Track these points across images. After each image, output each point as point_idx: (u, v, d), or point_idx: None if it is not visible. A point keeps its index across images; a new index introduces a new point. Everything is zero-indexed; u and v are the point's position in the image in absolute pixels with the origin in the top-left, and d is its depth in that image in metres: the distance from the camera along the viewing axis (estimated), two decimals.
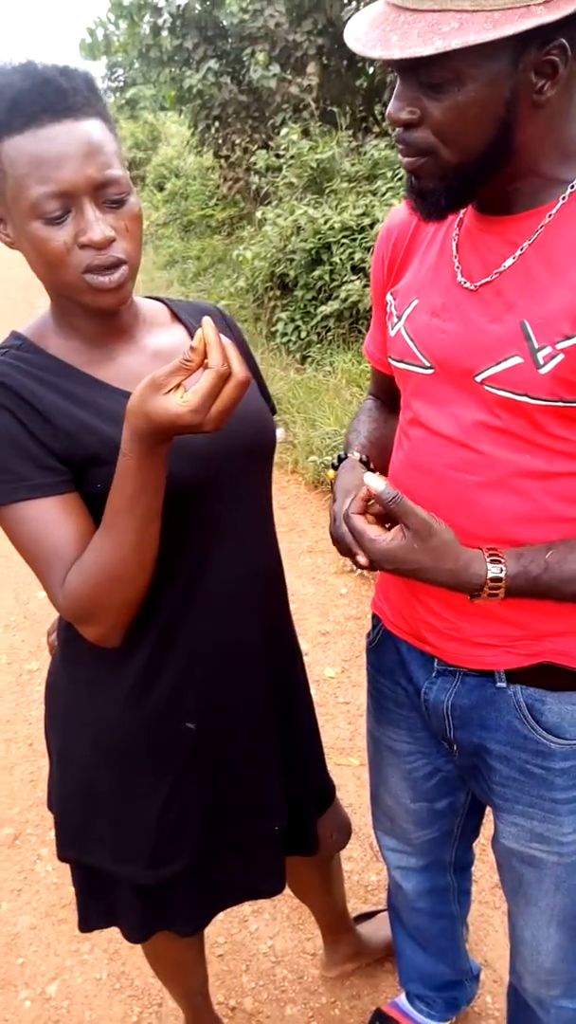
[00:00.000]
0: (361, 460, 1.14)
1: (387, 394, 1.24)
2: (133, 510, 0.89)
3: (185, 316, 1.13)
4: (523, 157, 0.87)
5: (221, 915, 1.88)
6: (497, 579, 0.91)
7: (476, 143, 0.84)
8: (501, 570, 0.91)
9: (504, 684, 1.04)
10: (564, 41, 0.78)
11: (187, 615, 1.06)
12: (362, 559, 0.94)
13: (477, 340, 0.93)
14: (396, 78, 0.85)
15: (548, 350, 0.87)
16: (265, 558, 1.17)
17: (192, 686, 1.09)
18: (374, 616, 1.26)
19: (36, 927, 1.96)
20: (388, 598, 1.19)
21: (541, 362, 0.87)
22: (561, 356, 0.86)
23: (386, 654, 1.22)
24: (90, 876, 1.22)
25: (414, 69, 0.81)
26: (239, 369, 0.81)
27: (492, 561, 0.91)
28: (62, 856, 1.23)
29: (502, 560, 0.91)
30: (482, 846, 1.95)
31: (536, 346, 0.88)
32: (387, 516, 0.94)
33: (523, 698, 1.04)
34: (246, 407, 1.08)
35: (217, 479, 1.03)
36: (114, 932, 1.89)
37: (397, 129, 0.87)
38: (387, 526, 0.95)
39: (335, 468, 1.11)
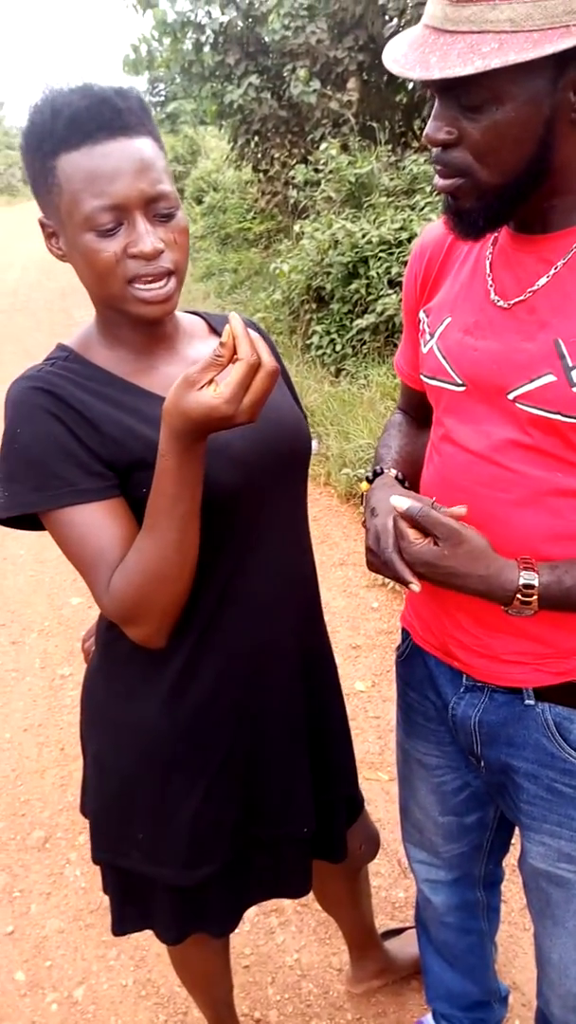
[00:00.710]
0: (396, 477, 1.14)
1: (416, 409, 1.25)
2: (173, 510, 0.91)
3: (221, 328, 1.15)
4: (561, 176, 0.87)
5: (248, 925, 1.89)
6: (530, 586, 0.90)
7: (514, 163, 0.84)
8: (534, 577, 0.91)
9: (532, 702, 1.04)
10: None
11: (224, 618, 1.08)
12: (415, 586, 0.94)
13: (510, 358, 0.93)
14: (435, 98, 0.86)
15: None
16: (300, 564, 1.19)
17: (228, 687, 1.10)
18: (404, 630, 1.26)
19: (64, 931, 1.98)
20: (418, 613, 1.19)
21: (575, 380, 0.87)
22: None
23: (415, 667, 1.22)
24: (124, 879, 1.24)
25: (453, 89, 0.82)
26: (268, 359, 0.84)
27: (525, 569, 0.91)
28: (96, 859, 1.25)
29: (535, 568, 0.91)
30: (512, 866, 1.93)
31: (570, 364, 0.88)
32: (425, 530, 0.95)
33: (551, 716, 1.03)
34: (282, 414, 1.11)
35: (256, 484, 1.05)
36: (141, 939, 1.92)
37: (435, 149, 0.88)
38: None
39: (369, 481, 1.12)
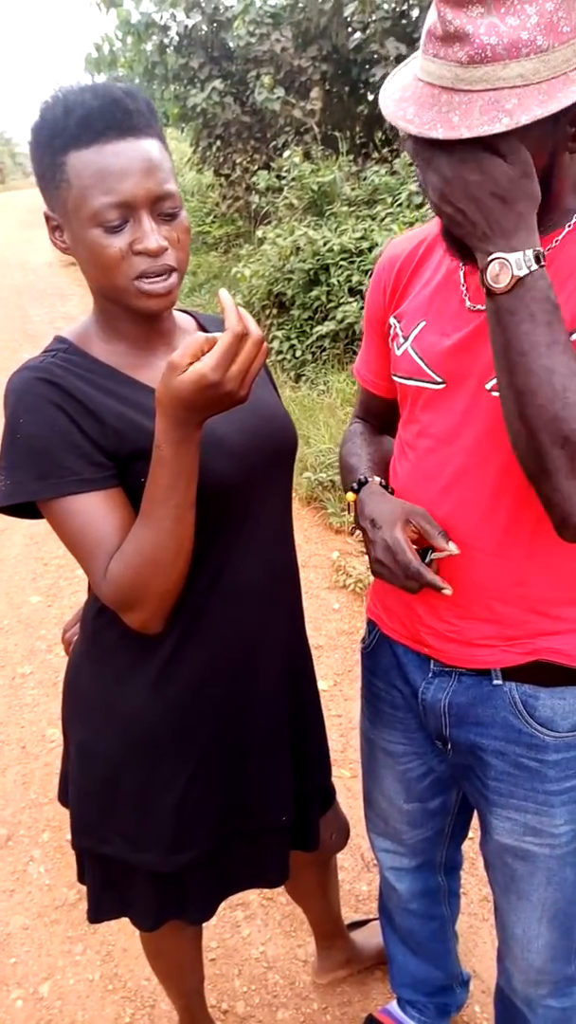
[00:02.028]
0: (381, 484, 1.19)
1: (375, 416, 1.30)
2: (168, 499, 0.94)
3: (209, 326, 1.19)
4: (554, 197, 0.93)
5: (214, 919, 1.92)
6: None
7: None
8: None
9: (500, 681, 1.09)
10: None
11: (213, 607, 1.11)
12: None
13: (488, 353, 0.97)
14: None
15: None
16: (286, 554, 1.23)
17: (216, 675, 1.13)
18: (370, 621, 1.31)
19: (28, 927, 1.98)
20: (385, 604, 1.24)
21: None
22: None
23: (382, 657, 1.27)
24: (104, 866, 1.25)
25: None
26: (255, 330, 0.87)
27: None
28: (77, 845, 1.26)
29: None
30: (471, 859, 2.00)
31: None
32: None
33: (518, 694, 1.09)
34: (272, 410, 1.16)
35: (250, 476, 1.08)
36: (107, 934, 1.93)
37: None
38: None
39: (355, 491, 1.16)
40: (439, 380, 1.06)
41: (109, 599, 1.01)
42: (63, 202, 0.99)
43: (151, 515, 0.96)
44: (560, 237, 0.96)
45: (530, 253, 0.85)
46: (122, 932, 1.93)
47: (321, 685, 2.89)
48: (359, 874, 2.09)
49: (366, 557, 3.49)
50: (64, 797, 1.32)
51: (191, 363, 0.86)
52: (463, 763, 1.20)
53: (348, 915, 1.93)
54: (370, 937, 1.82)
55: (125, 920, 1.91)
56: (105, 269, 0.99)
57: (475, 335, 1.01)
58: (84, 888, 2.01)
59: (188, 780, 1.16)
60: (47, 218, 1.04)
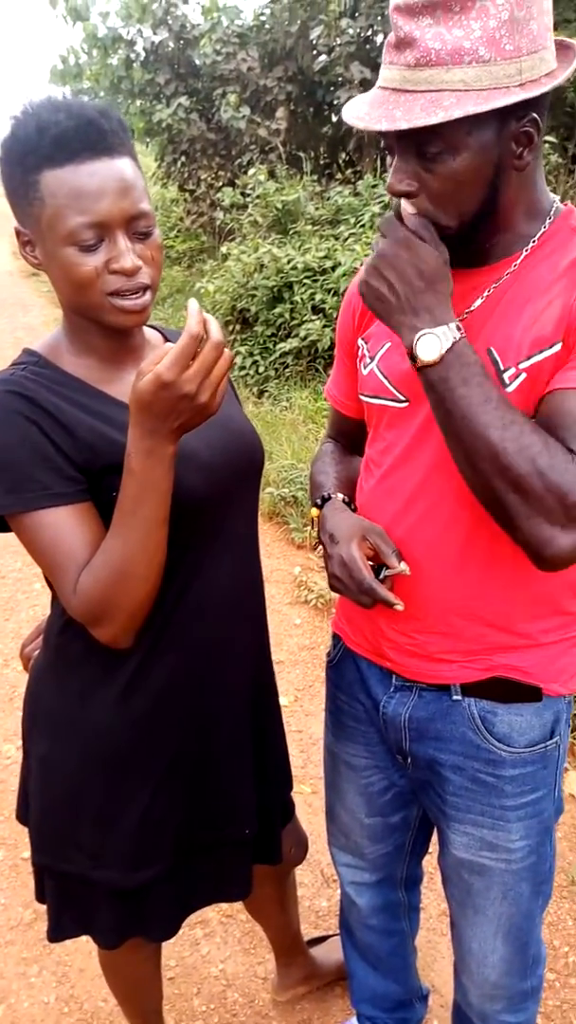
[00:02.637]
0: (344, 501, 1.21)
1: (346, 436, 1.33)
2: (137, 512, 0.95)
3: (175, 339, 1.20)
4: (502, 216, 0.98)
5: (172, 938, 1.90)
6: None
7: (469, 207, 0.95)
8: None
9: (459, 697, 1.11)
10: (536, 115, 0.91)
11: (180, 619, 1.11)
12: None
13: None
14: (393, 154, 0.94)
15: (512, 371, 0.97)
16: (253, 568, 1.24)
17: (181, 688, 1.14)
18: (335, 635, 1.33)
19: None
20: (350, 618, 1.26)
21: (507, 382, 0.97)
22: (524, 375, 0.96)
23: (346, 671, 1.29)
24: (64, 883, 1.24)
25: (414, 143, 0.91)
26: (217, 334, 0.88)
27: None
28: (37, 862, 1.25)
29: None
30: (429, 874, 2.01)
31: (502, 368, 0.97)
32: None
33: (476, 710, 1.11)
34: (240, 425, 1.18)
35: (220, 490, 1.10)
36: (63, 955, 1.90)
37: (395, 200, 0.97)
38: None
39: (319, 507, 1.18)
40: (402, 398, 1.09)
41: (79, 613, 1.01)
42: (36, 219, 0.99)
43: (121, 527, 0.96)
44: (518, 261, 1.00)
45: (453, 325, 0.93)
46: (79, 952, 1.90)
47: (282, 701, 2.89)
48: (319, 890, 2.09)
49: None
50: (22, 814, 1.30)
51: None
52: (422, 778, 1.21)
53: (308, 931, 1.93)
54: (330, 953, 1.82)
55: (82, 940, 1.90)
56: (79, 287, 0.99)
57: None
58: (40, 907, 2.01)
59: (151, 795, 1.16)
60: (18, 233, 1.04)
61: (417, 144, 0.91)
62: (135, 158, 1.03)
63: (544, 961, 1.30)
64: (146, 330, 1.18)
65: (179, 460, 0.96)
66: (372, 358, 1.13)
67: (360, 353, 1.17)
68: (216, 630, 1.16)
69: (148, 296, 1.02)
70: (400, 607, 1.03)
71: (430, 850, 1.50)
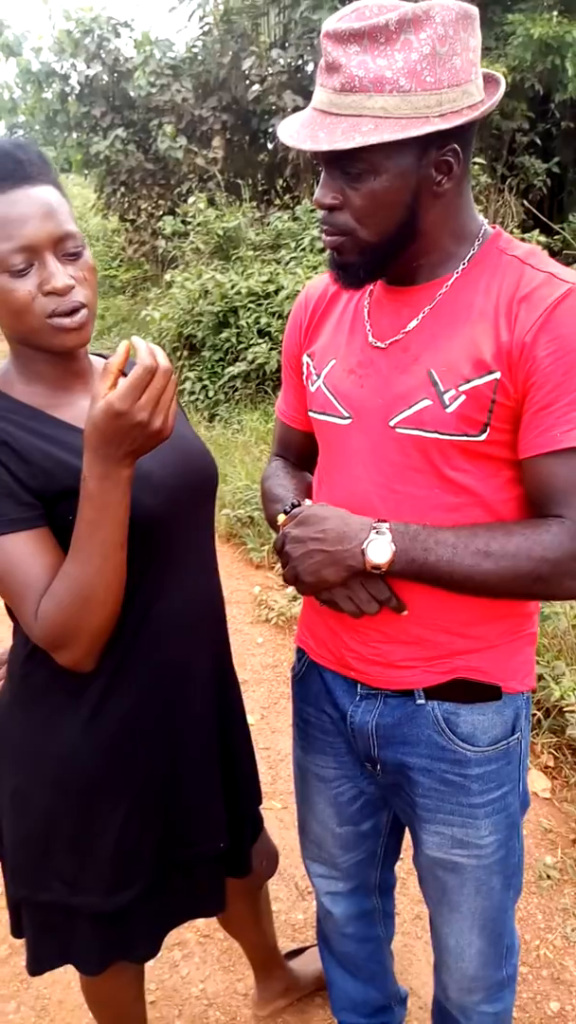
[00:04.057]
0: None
1: (294, 452, 1.38)
2: (95, 534, 0.97)
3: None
4: (426, 238, 1.04)
5: (151, 961, 1.90)
6: (381, 521, 1.06)
7: (388, 224, 1.01)
8: (383, 525, 1.05)
9: (423, 701, 1.16)
10: (457, 146, 0.98)
11: (142, 640, 1.13)
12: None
13: (390, 390, 1.08)
14: (322, 170, 1.02)
15: (452, 392, 1.03)
16: (211, 588, 1.27)
17: (148, 707, 1.16)
18: (299, 650, 1.36)
19: None
20: (313, 632, 1.29)
21: (447, 403, 1.03)
22: (464, 397, 1.02)
23: (312, 684, 1.32)
24: (42, 914, 1.24)
25: (339, 161, 0.97)
26: (163, 362, 0.92)
27: (378, 521, 1.06)
28: (13, 895, 1.25)
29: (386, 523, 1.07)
30: (402, 880, 2.05)
31: (442, 389, 1.03)
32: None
33: (440, 712, 1.15)
34: (192, 446, 1.21)
35: (175, 509, 1.13)
36: (41, 988, 1.89)
37: (321, 212, 1.03)
38: None
39: (287, 513, 1.23)
40: (346, 415, 1.14)
41: (41, 639, 1.03)
42: None
43: (80, 551, 0.99)
44: (450, 282, 1.06)
45: (372, 532, 1.04)
46: (56, 984, 1.89)
47: (248, 719, 2.92)
48: (294, 903, 2.11)
49: (287, 588, 3.57)
50: None
51: (109, 392, 0.91)
52: (392, 782, 1.25)
53: (285, 944, 1.95)
54: (308, 964, 1.84)
55: (59, 972, 1.88)
56: (16, 313, 1.02)
57: (377, 371, 1.10)
58: (12, 943, 1.99)
59: (125, 817, 1.17)
60: None
61: (342, 163, 0.97)
62: (58, 186, 1.06)
63: (517, 950, 1.35)
64: (93, 358, 1.22)
65: (134, 481, 0.99)
66: (319, 375, 1.18)
67: (307, 370, 1.22)
68: (178, 648, 1.18)
69: (85, 313, 1.05)
70: (406, 611, 1.10)
71: (401, 856, 1.54)
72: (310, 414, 1.22)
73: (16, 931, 1.31)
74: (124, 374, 1.21)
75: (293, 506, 1.15)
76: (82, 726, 1.13)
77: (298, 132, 0.98)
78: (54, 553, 1.03)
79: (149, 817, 1.20)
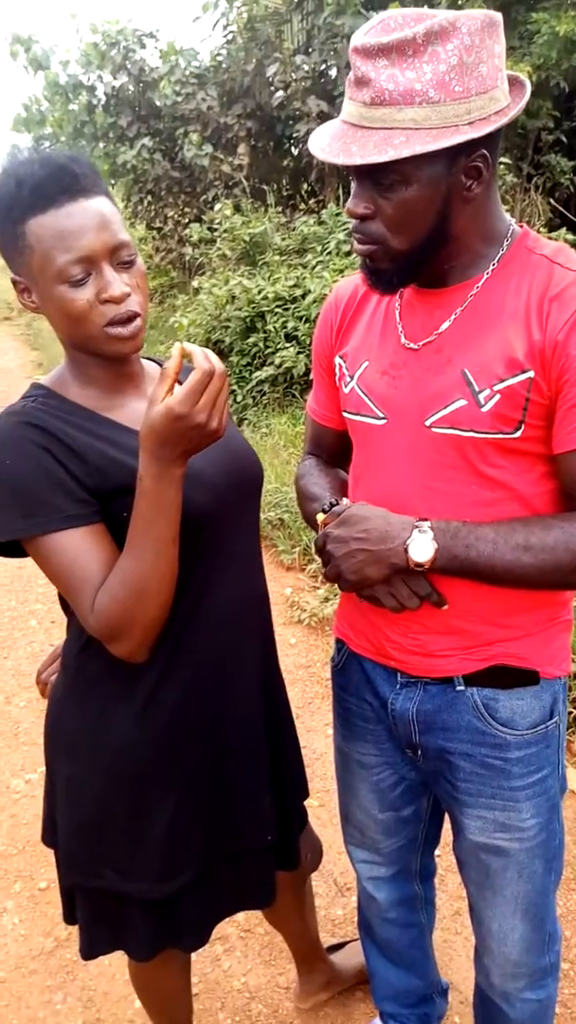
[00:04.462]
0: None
1: (327, 451, 1.40)
2: (149, 531, 1.01)
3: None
4: (457, 241, 1.06)
5: (194, 955, 1.93)
6: (423, 519, 1.08)
7: (420, 232, 1.03)
8: (425, 523, 1.07)
9: (463, 687, 1.18)
10: (485, 151, 1.00)
11: (193, 632, 1.16)
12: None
13: (425, 390, 1.10)
14: (353, 180, 1.04)
15: (487, 392, 1.05)
16: (258, 580, 1.30)
17: (198, 699, 1.19)
18: (338, 641, 1.39)
19: (6, 981, 1.95)
20: (352, 623, 1.32)
21: (482, 402, 1.05)
22: (498, 396, 1.04)
23: (352, 674, 1.35)
24: (95, 900, 1.27)
25: (370, 173, 1.00)
26: (219, 365, 0.96)
27: (420, 520, 1.08)
28: (68, 882, 1.28)
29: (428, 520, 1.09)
30: (441, 876, 2.06)
31: (477, 389, 1.05)
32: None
33: (479, 698, 1.17)
34: (241, 445, 1.25)
35: (225, 507, 1.16)
36: (87, 979, 1.93)
37: (354, 221, 1.06)
38: None
39: (325, 512, 1.25)
40: (381, 415, 1.16)
41: (97, 631, 1.06)
42: (28, 266, 1.07)
43: (135, 547, 1.02)
44: (480, 283, 1.08)
45: (414, 531, 1.06)
46: (102, 976, 1.92)
47: None
48: (334, 899, 2.13)
49: (319, 590, 3.59)
50: (49, 837, 1.34)
51: (166, 394, 0.95)
52: (433, 768, 1.27)
53: (326, 939, 1.96)
54: (349, 957, 1.86)
55: (106, 964, 1.93)
56: (75, 321, 1.07)
57: (411, 372, 1.13)
58: (60, 935, 2.03)
59: (176, 806, 1.20)
60: (15, 282, 1.11)
61: (373, 174, 1.00)
62: (110, 196, 1.11)
63: (560, 938, 1.36)
64: (144, 361, 1.26)
65: (186, 480, 1.03)
66: (352, 376, 1.21)
67: (339, 372, 1.25)
68: (226, 640, 1.21)
69: (139, 322, 1.09)
70: (447, 606, 1.12)
71: (437, 852, 1.56)
72: (344, 415, 1.25)
73: (69, 917, 1.35)
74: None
75: (332, 505, 1.18)
76: (135, 716, 1.16)
77: (330, 146, 1.01)
78: (109, 548, 1.06)
79: (198, 807, 1.22)
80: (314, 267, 5.92)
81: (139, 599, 1.03)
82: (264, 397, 5.73)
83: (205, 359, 0.95)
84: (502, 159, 6.26)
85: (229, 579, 1.20)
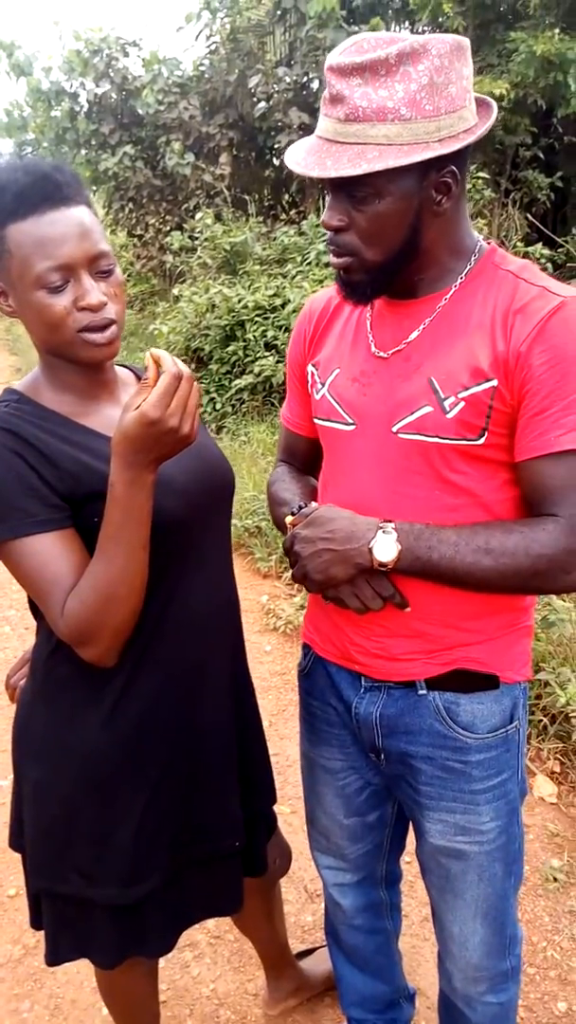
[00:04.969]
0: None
1: (298, 458, 1.43)
2: (120, 536, 1.02)
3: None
4: (427, 254, 1.10)
5: (163, 962, 1.93)
6: (387, 522, 1.10)
7: (392, 243, 1.06)
8: (388, 524, 1.10)
9: (425, 691, 1.20)
10: (454, 168, 1.03)
11: (161, 637, 1.17)
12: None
13: (392, 397, 1.13)
14: (328, 194, 1.07)
15: (452, 399, 1.08)
16: (228, 587, 1.31)
17: (166, 704, 1.19)
18: (305, 645, 1.40)
19: None
20: (318, 627, 1.34)
21: (448, 409, 1.08)
22: (463, 403, 1.07)
23: (318, 678, 1.36)
24: (61, 905, 1.27)
25: (345, 186, 1.03)
26: (186, 370, 0.98)
27: (384, 521, 1.10)
28: (34, 887, 1.28)
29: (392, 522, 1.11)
30: (410, 883, 2.08)
31: (443, 396, 1.08)
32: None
33: (441, 702, 1.20)
34: (212, 453, 1.26)
35: (195, 513, 1.17)
36: (55, 987, 1.92)
37: (329, 233, 1.09)
38: None
39: (294, 515, 1.27)
40: (350, 421, 1.19)
41: (66, 635, 1.07)
42: (7, 271, 1.08)
43: (105, 552, 1.03)
44: (448, 295, 1.12)
45: (379, 532, 1.09)
46: (70, 984, 1.92)
47: None
48: (303, 905, 2.13)
49: (295, 597, 3.60)
50: (15, 841, 1.34)
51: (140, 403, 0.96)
52: (396, 772, 1.29)
53: (295, 946, 1.97)
54: (318, 964, 1.87)
55: (74, 971, 1.92)
56: (52, 327, 1.08)
57: (380, 379, 1.15)
58: (28, 943, 2.02)
59: (143, 811, 1.20)
60: None
61: (347, 187, 1.03)
62: (91, 206, 1.12)
63: (521, 941, 1.38)
64: (118, 368, 1.27)
65: (157, 486, 1.04)
66: (323, 383, 1.24)
67: (312, 379, 1.27)
68: (195, 646, 1.22)
69: (115, 329, 1.11)
70: (409, 608, 1.14)
71: (407, 859, 1.57)
72: (315, 421, 1.27)
73: (36, 923, 1.34)
74: (140, 379, 1.26)
75: (300, 508, 1.20)
76: (102, 720, 1.17)
77: (305, 160, 1.04)
78: (80, 553, 1.07)
79: (166, 812, 1.23)
80: (294, 277, 5.96)
81: (108, 604, 1.04)
82: (243, 405, 5.76)
83: (173, 364, 0.97)
84: (480, 174, 6.35)
85: (199, 585, 1.21)
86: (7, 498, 1.04)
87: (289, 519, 1.20)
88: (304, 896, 2.16)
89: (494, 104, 1.09)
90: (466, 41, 1.02)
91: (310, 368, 1.28)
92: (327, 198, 1.08)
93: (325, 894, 1.57)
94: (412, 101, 0.97)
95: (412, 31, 7.31)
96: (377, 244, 1.06)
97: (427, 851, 1.29)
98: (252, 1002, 1.88)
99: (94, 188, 9.35)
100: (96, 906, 1.25)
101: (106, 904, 1.24)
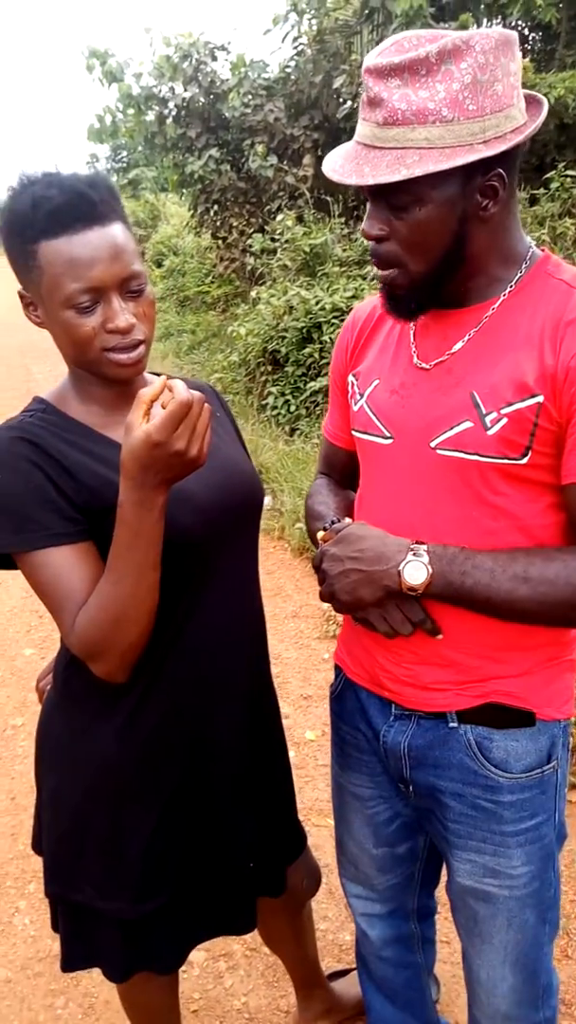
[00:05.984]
0: None
1: (338, 471, 1.38)
2: (129, 557, 1.00)
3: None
4: (474, 262, 1.04)
5: (197, 970, 1.92)
6: (419, 543, 1.05)
7: (436, 253, 1.01)
8: (421, 547, 1.05)
9: (456, 724, 1.14)
10: (501, 170, 0.97)
11: (177, 655, 1.15)
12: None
13: (432, 411, 1.08)
14: (367, 201, 1.02)
15: (494, 415, 1.01)
16: (250, 607, 1.28)
17: (180, 720, 1.18)
18: (336, 667, 1.36)
19: (11, 980, 1.97)
20: (350, 650, 1.29)
21: (489, 425, 1.02)
22: (505, 420, 1.01)
23: (348, 702, 1.32)
24: (74, 913, 1.28)
25: (384, 194, 0.98)
26: (198, 394, 0.95)
27: (415, 543, 1.05)
28: (49, 890, 1.29)
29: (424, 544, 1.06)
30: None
31: (484, 412, 1.02)
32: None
33: (472, 736, 1.13)
34: (238, 467, 1.23)
35: (216, 531, 1.15)
36: (90, 986, 1.93)
37: (370, 243, 1.04)
38: None
39: (326, 530, 1.23)
40: (388, 435, 1.14)
41: (76, 650, 1.06)
42: (36, 285, 1.07)
43: (114, 572, 1.02)
44: (496, 305, 1.06)
45: (409, 554, 1.03)
46: (104, 984, 1.92)
47: (309, 735, 2.92)
48: (343, 924, 2.09)
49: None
50: (37, 845, 1.35)
51: (144, 422, 0.94)
52: (425, 806, 1.23)
53: (331, 965, 1.93)
54: (351, 987, 1.82)
55: None
56: (79, 345, 1.07)
57: (420, 392, 1.10)
58: None
59: (154, 827, 1.19)
60: (21, 296, 1.12)
61: (387, 195, 0.98)
62: (125, 221, 1.10)
63: (556, 991, 1.30)
64: (148, 376, 1.25)
65: (175, 502, 1.02)
66: (362, 395, 1.19)
67: (351, 390, 1.23)
68: (212, 666, 1.20)
69: (142, 349, 1.10)
70: (441, 635, 1.09)
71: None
72: (353, 433, 1.23)
73: (55, 925, 1.35)
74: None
75: (333, 523, 1.16)
76: (115, 736, 1.16)
77: (343, 167, 0.99)
78: (96, 567, 1.06)
79: (177, 830, 1.21)
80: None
81: (117, 624, 1.02)
82: (317, 408, 5.71)
83: (185, 390, 0.94)
84: (569, 172, 6.12)
85: (218, 604, 1.18)
86: (24, 510, 1.04)
87: (321, 534, 1.16)
88: (344, 914, 2.11)
89: (545, 101, 1.02)
90: (513, 35, 0.96)
91: (351, 378, 1.24)
92: (367, 206, 1.03)
93: (355, 922, 1.52)
94: (454, 101, 0.92)
95: (504, 26, 7.12)
96: (420, 254, 1.01)
97: (455, 890, 1.23)
98: (282, 1019, 1.85)
99: (181, 191, 9.49)
100: (105, 919, 1.24)
101: (114, 917, 1.23)
